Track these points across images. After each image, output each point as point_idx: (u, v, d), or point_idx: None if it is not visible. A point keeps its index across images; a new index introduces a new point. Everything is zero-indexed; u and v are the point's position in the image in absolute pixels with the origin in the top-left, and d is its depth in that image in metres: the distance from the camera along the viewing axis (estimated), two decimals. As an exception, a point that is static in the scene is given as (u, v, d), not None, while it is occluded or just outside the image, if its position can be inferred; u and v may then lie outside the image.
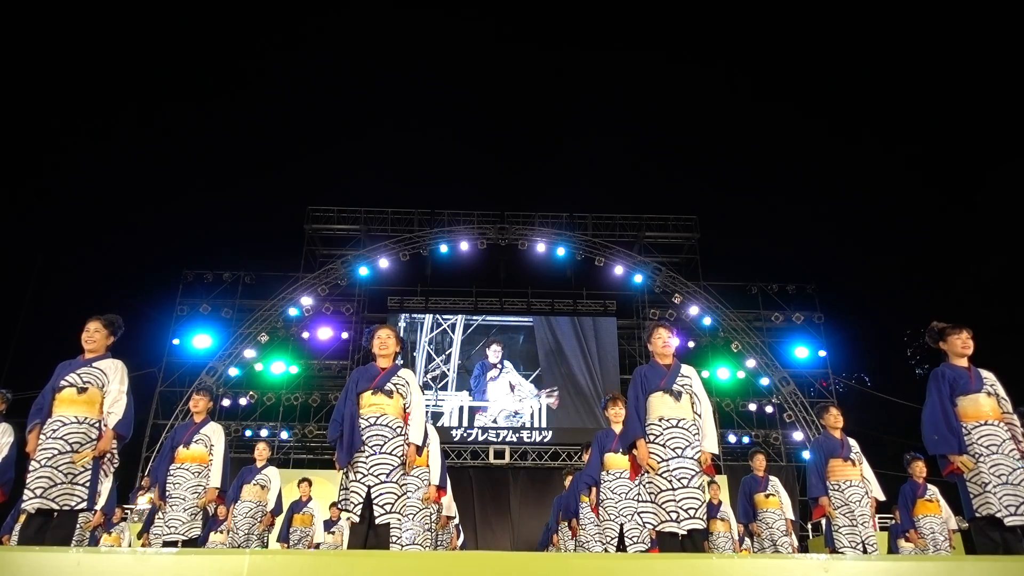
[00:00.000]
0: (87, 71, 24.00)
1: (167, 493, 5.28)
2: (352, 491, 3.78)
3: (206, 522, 5.65)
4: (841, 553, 4.89)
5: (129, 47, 24.86)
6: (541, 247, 16.70)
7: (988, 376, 4.28)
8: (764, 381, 15.95)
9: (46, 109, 23.65)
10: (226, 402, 15.37)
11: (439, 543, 7.21)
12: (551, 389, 15.74)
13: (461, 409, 15.55)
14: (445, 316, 16.57)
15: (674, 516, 3.73)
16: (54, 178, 24.26)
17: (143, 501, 10.81)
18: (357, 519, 3.74)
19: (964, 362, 4.32)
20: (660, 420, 3.96)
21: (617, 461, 5.37)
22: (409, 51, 30.56)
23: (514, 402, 15.65)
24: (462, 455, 15.17)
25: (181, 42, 26.64)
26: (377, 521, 3.72)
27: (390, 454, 3.84)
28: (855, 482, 5.18)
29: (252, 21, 26.78)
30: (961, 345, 4.32)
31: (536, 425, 15.42)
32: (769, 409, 16.00)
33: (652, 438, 3.93)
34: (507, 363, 16.06)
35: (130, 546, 8.46)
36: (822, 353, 16.35)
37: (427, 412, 4.53)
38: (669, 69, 28.18)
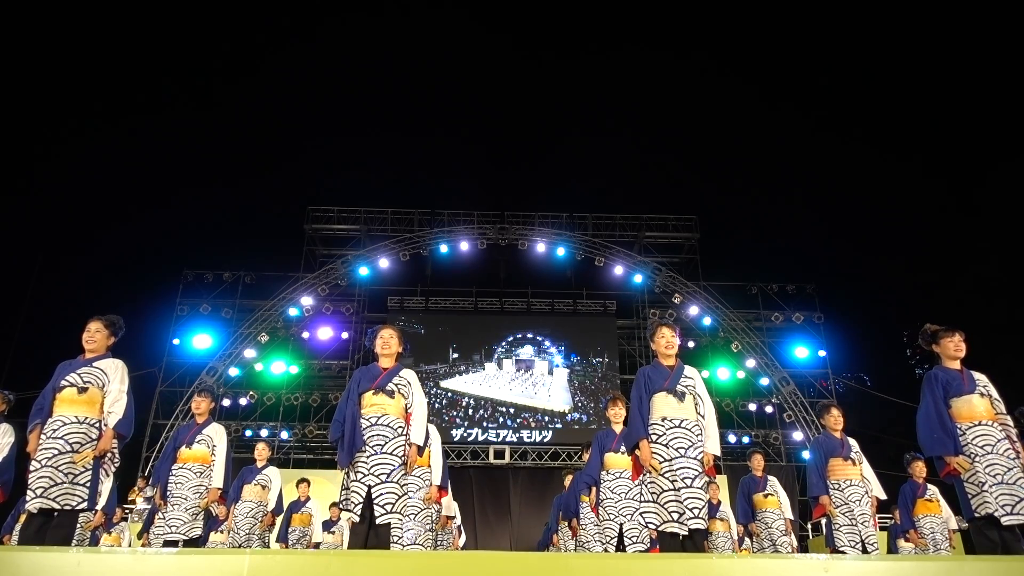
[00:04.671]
0: (87, 70, 24.00)
1: (168, 492, 5.29)
2: (353, 491, 3.78)
3: (207, 522, 5.66)
4: (841, 553, 4.90)
5: (129, 46, 24.85)
6: (541, 247, 16.72)
7: (980, 377, 4.32)
8: (764, 381, 15.96)
9: (44, 108, 23.64)
10: (226, 402, 15.38)
11: (440, 543, 7.21)
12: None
13: (467, 405, 15.57)
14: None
15: (676, 516, 3.73)
16: (54, 178, 24.26)
17: (140, 502, 10.82)
18: (357, 519, 3.75)
19: (957, 364, 4.36)
20: (663, 420, 3.97)
21: (617, 461, 5.38)
22: (409, 51, 30.57)
23: (516, 396, 15.68)
24: (462, 455, 15.18)
25: (181, 40, 26.64)
26: (378, 521, 3.73)
27: (391, 454, 3.84)
28: (855, 481, 5.19)
29: (252, 20, 26.77)
30: (954, 348, 4.35)
31: (537, 423, 15.44)
32: (769, 409, 16.01)
33: (655, 438, 3.94)
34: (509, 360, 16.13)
35: (130, 546, 8.47)
36: (822, 353, 16.36)
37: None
38: (669, 69, 28.16)
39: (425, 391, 16.19)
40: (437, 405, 15.45)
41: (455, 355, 16.12)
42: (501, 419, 15.50)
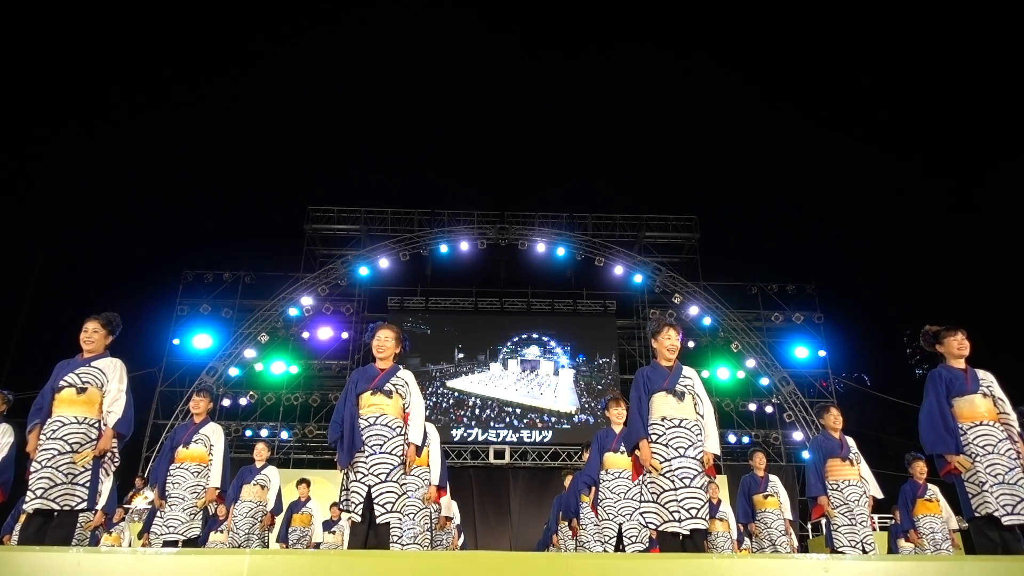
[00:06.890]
0: (87, 70, 24.00)
1: (166, 492, 5.28)
2: (353, 491, 3.78)
3: (206, 522, 5.65)
4: (841, 553, 4.90)
5: (128, 45, 24.86)
6: (541, 247, 16.71)
7: (985, 377, 4.29)
8: (764, 381, 15.96)
9: (44, 108, 23.64)
10: (226, 402, 15.39)
11: (438, 543, 7.21)
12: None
13: (474, 405, 15.57)
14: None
15: (676, 516, 3.73)
16: (54, 178, 24.28)
17: (140, 502, 10.80)
18: (358, 519, 3.75)
19: (961, 363, 4.34)
20: (663, 420, 3.96)
21: (617, 461, 5.37)
22: (409, 51, 30.58)
23: (522, 397, 15.68)
24: (462, 455, 15.18)
25: (181, 39, 26.64)
26: (378, 520, 3.73)
27: (390, 454, 3.84)
28: (854, 481, 5.19)
29: (253, 20, 26.77)
30: (957, 347, 4.34)
31: (543, 424, 15.43)
32: (769, 409, 16.01)
33: (655, 438, 3.94)
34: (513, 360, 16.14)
35: (130, 546, 8.46)
36: (822, 353, 16.37)
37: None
38: (669, 69, 28.20)
39: (432, 391, 16.09)
40: (444, 405, 15.46)
41: (461, 355, 16.11)
42: (507, 419, 15.49)
